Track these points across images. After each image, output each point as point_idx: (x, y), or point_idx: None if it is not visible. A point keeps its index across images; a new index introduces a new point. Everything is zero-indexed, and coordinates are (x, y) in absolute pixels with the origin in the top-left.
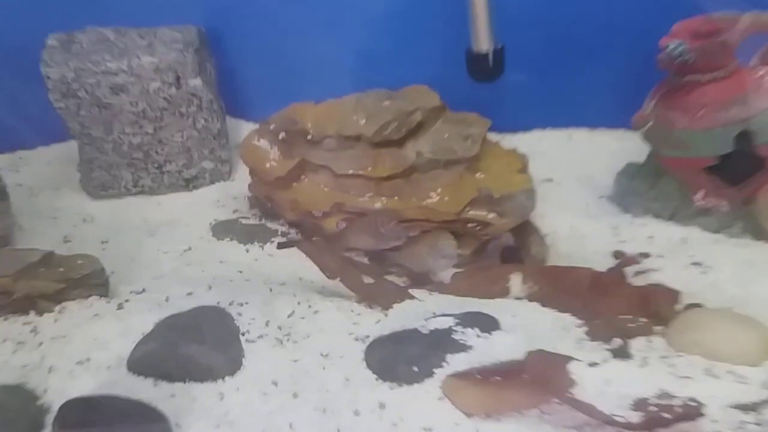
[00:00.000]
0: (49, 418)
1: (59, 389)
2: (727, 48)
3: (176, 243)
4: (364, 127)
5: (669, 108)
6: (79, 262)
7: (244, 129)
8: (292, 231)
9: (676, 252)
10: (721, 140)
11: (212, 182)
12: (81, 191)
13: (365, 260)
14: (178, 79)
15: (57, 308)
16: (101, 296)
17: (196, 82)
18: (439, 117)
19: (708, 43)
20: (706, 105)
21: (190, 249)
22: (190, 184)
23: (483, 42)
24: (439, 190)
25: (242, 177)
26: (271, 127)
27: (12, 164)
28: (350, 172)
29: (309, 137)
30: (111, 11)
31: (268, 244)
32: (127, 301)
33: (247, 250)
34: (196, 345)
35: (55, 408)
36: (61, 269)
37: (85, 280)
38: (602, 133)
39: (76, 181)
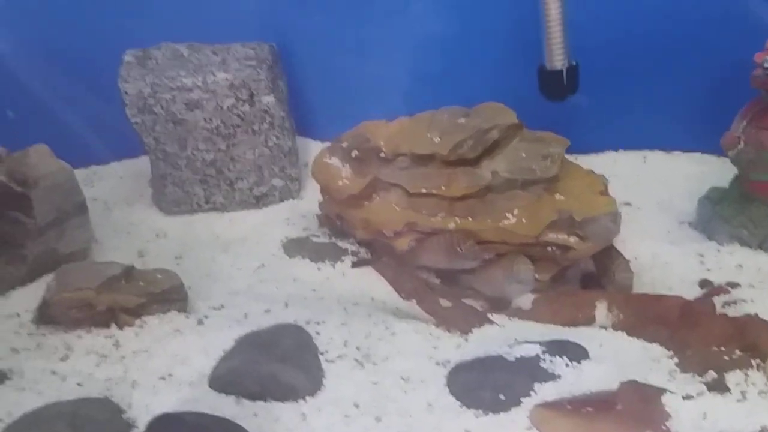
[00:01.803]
0: None
1: (143, 404)
2: None
3: (249, 259)
4: (439, 145)
5: (761, 129)
6: (159, 276)
7: (311, 148)
8: (363, 250)
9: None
10: None
11: (282, 200)
12: (153, 206)
13: (435, 280)
14: (251, 96)
15: (137, 322)
16: (180, 311)
17: (269, 99)
18: (515, 135)
19: None
20: None
21: (263, 266)
22: (260, 201)
23: (557, 59)
24: (516, 211)
25: (311, 195)
26: (344, 145)
27: (86, 179)
28: (423, 191)
29: (382, 155)
30: (184, 28)
31: (339, 262)
32: (206, 317)
33: (319, 269)
34: (277, 363)
35: (140, 422)
36: (142, 283)
37: (165, 295)
38: (678, 156)
39: (149, 197)
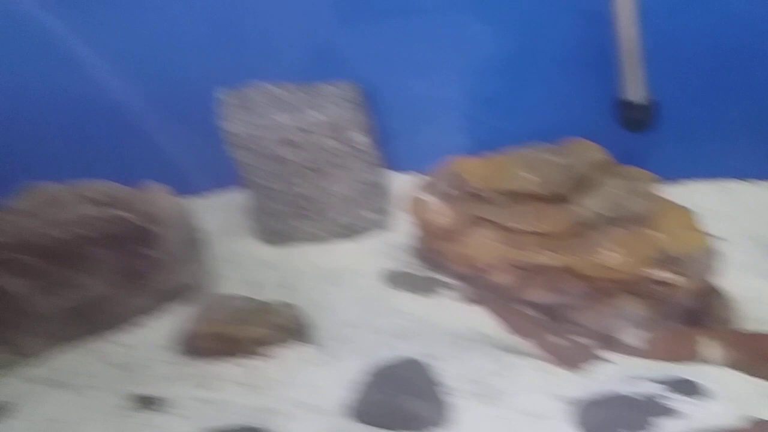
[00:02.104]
0: None
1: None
2: None
3: (353, 290)
4: (534, 183)
5: None
6: (287, 310)
7: (398, 180)
8: (459, 283)
9: None
10: None
11: (372, 231)
12: (253, 237)
13: (536, 316)
14: (344, 134)
15: (269, 353)
16: (306, 342)
17: (360, 137)
18: (606, 172)
19: None
20: None
21: (367, 297)
22: (351, 232)
23: (637, 90)
24: (613, 247)
25: (400, 227)
26: (437, 181)
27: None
28: (519, 227)
29: (476, 192)
30: (275, 68)
31: (439, 295)
32: (333, 349)
33: (421, 301)
34: (406, 396)
35: None
36: (270, 316)
37: (292, 327)
38: (761, 186)
39: (248, 228)
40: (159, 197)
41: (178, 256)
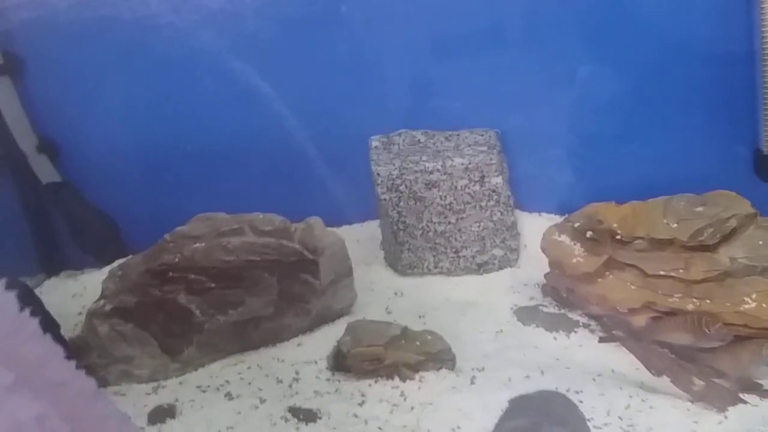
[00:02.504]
0: None
1: None
2: None
3: (487, 324)
4: (677, 231)
5: None
6: (429, 337)
7: (523, 220)
8: (593, 323)
9: None
10: None
11: (501, 268)
12: (388, 267)
13: (687, 361)
14: (482, 177)
15: (417, 377)
16: (450, 370)
17: (497, 180)
18: (751, 223)
19: None
20: None
21: (501, 331)
22: (481, 268)
23: None
24: (754, 295)
25: (527, 264)
26: (575, 224)
27: None
28: (661, 273)
29: (617, 237)
30: (418, 116)
31: (573, 333)
32: (474, 377)
33: (555, 338)
34: (554, 426)
35: None
36: (418, 343)
37: (439, 354)
38: None
39: (382, 258)
40: (318, 229)
41: (333, 284)
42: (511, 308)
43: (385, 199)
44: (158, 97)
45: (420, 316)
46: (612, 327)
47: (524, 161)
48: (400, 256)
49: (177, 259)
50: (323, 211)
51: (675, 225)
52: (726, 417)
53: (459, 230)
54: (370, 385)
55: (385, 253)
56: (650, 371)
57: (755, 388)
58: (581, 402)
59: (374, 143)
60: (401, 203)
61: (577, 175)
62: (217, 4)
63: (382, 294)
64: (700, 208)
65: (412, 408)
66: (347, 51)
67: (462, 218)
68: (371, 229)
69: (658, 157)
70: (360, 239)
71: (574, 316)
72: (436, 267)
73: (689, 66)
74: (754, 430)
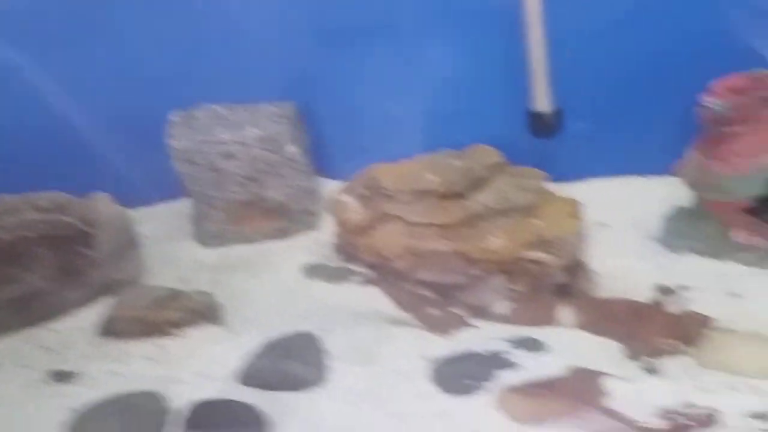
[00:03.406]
0: (176, 418)
1: (185, 396)
2: (761, 103)
3: (275, 283)
4: (435, 183)
5: (708, 156)
6: (198, 296)
7: (329, 186)
8: (371, 271)
9: (715, 285)
10: (756, 184)
11: (303, 232)
12: (194, 241)
13: (433, 295)
14: (278, 146)
15: (180, 333)
16: (217, 325)
17: (292, 148)
18: (500, 172)
19: (744, 99)
20: (740, 154)
21: (286, 288)
22: (284, 234)
23: (543, 102)
24: (498, 234)
25: (327, 227)
26: (355, 185)
27: (137, 219)
28: (420, 220)
29: (387, 192)
30: (221, 91)
31: (350, 282)
32: (237, 328)
33: (334, 288)
34: (292, 362)
35: (183, 410)
36: (183, 301)
37: (203, 311)
38: (654, 180)
39: (190, 233)
40: (99, 204)
41: (113, 255)
42: (300, 267)
43: (183, 173)
44: None
45: (212, 283)
46: (380, 273)
47: (332, 133)
48: (202, 227)
49: None
50: (128, 190)
51: (433, 178)
52: (451, 340)
53: (261, 199)
54: (135, 345)
55: (192, 228)
56: (399, 307)
57: (486, 314)
58: (326, 338)
59: (174, 118)
60: (199, 175)
61: (378, 143)
62: None
63: (184, 266)
64: (453, 161)
65: (167, 361)
66: (145, 25)
67: (262, 187)
68: (183, 205)
69: (455, 123)
70: (169, 215)
71: (356, 267)
72: (240, 236)
73: (470, 36)
74: (469, 348)
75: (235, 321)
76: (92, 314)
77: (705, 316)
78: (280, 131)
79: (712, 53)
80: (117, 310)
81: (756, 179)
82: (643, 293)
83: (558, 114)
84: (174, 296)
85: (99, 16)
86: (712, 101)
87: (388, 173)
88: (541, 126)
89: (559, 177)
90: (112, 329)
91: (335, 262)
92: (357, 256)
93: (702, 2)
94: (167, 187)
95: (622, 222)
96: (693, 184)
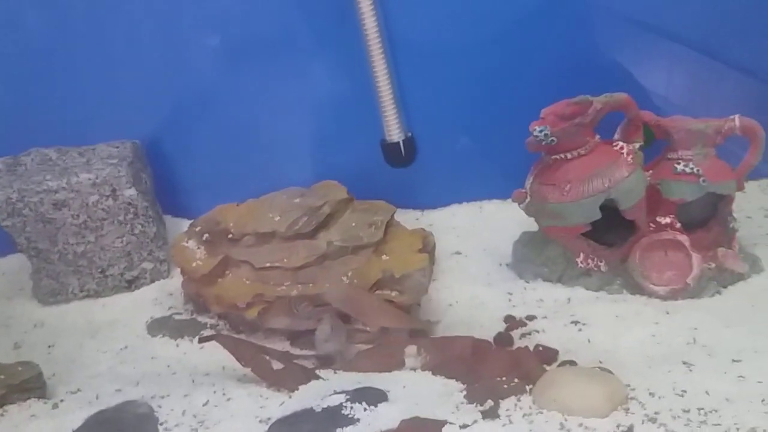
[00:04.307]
0: None
1: None
2: (584, 128)
3: (114, 342)
4: (278, 223)
5: (542, 184)
6: (19, 369)
7: (184, 227)
8: (221, 323)
9: (560, 312)
10: (588, 209)
11: (152, 281)
12: (33, 299)
13: (288, 344)
14: (114, 191)
15: (0, 411)
16: (39, 398)
17: (130, 192)
18: (347, 208)
19: (567, 125)
20: (571, 180)
21: (126, 347)
22: (132, 284)
23: (394, 132)
24: (349, 273)
25: (179, 274)
26: (197, 228)
27: None
28: (268, 264)
29: (230, 236)
30: (55, 133)
31: (197, 337)
32: (62, 401)
33: (178, 345)
34: None
35: None
36: (2, 376)
37: (24, 385)
38: (510, 204)
39: (29, 290)
40: None
41: None
42: (146, 321)
43: (8, 226)
44: None
45: (49, 346)
46: (231, 323)
47: (180, 171)
48: (39, 284)
49: None
50: None
51: (277, 218)
52: (290, 396)
53: (101, 248)
54: None
55: (30, 284)
56: (240, 362)
57: (333, 363)
58: (160, 407)
59: None
60: (28, 228)
61: (227, 180)
62: None
63: (18, 328)
64: (297, 200)
65: None
66: None
67: (102, 235)
68: (22, 259)
69: (316, 157)
70: (6, 271)
71: (204, 319)
72: (82, 290)
73: (324, 69)
74: (306, 404)
75: (62, 393)
76: None
77: (547, 350)
78: (116, 174)
79: (563, 78)
80: None
81: (588, 204)
82: (491, 325)
83: (409, 142)
84: None
85: None
86: (537, 128)
87: (231, 215)
88: (394, 155)
89: (419, 205)
90: None
91: (185, 314)
92: (206, 306)
93: (552, 27)
94: (2, 241)
95: (476, 249)
96: (530, 212)
